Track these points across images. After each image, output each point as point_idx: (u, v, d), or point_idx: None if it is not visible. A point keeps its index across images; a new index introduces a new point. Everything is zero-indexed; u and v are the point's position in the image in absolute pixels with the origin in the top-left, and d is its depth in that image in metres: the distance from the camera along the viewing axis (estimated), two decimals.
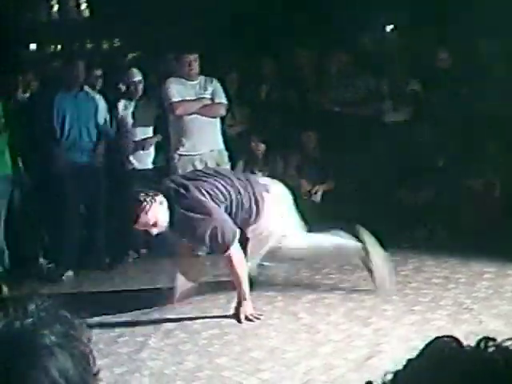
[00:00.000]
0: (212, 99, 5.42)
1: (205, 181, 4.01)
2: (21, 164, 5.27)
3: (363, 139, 5.77)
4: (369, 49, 6.55)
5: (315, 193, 5.82)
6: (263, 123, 6.17)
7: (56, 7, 12.64)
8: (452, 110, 5.62)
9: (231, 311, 4.01)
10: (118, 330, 3.93)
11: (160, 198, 3.87)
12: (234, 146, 5.75)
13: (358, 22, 6.67)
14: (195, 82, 5.44)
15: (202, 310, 4.17)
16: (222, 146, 5.48)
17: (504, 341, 0.61)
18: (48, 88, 5.78)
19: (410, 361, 0.63)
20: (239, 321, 3.90)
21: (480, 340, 0.61)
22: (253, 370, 3.28)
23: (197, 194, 3.89)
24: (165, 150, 5.70)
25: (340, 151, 5.81)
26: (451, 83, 5.74)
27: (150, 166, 5.67)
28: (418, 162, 5.67)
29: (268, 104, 6.32)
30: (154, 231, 3.92)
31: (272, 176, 5.96)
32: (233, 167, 5.53)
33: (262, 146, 6.02)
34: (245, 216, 4.03)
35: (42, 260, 5.42)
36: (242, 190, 4.03)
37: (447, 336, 0.63)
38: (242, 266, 3.93)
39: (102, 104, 5.55)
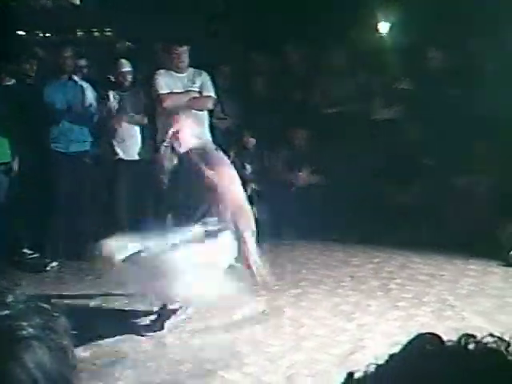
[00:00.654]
0: (200, 92, 5.39)
1: None
2: (9, 152, 5.21)
3: (352, 136, 5.78)
4: (360, 47, 6.55)
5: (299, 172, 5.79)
6: (253, 118, 6.16)
7: None
8: (441, 109, 5.64)
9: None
10: (100, 321, 3.91)
11: None
12: (223, 140, 5.73)
13: (349, 20, 6.66)
14: (184, 75, 5.41)
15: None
16: (209, 139, 5.46)
17: (484, 337, 0.61)
18: (37, 76, 5.72)
19: (392, 356, 0.63)
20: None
21: (461, 337, 0.61)
22: (237, 364, 3.28)
23: None
24: (151, 142, 5.66)
25: (329, 148, 5.82)
26: (441, 82, 5.76)
27: (136, 158, 5.64)
28: (406, 160, 5.69)
29: (258, 99, 6.31)
30: None
31: (260, 170, 5.99)
32: None
33: (252, 141, 6.02)
34: None
35: (25, 250, 5.38)
36: None
37: (429, 333, 0.63)
38: None
39: (90, 93, 5.51)
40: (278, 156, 6.06)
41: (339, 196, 5.59)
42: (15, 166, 5.25)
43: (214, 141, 5.49)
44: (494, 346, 0.60)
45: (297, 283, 4.46)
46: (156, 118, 5.57)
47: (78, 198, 5.45)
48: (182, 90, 5.36)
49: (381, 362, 0.64)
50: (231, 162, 5.56)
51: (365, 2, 6.74)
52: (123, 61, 5.68)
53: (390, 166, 5.75)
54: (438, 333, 0.63)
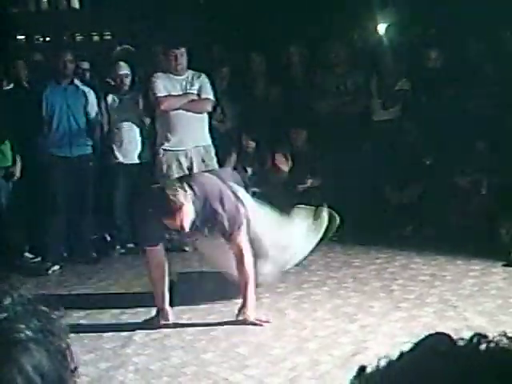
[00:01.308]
0: (198, 95, 5.39)
1: None
2: (10, 156, 5.21)
3: (351, 137, 5.77)
4: (358, 47, 6.55)
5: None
6: (253, 120, 6.15)
7: None
8: (440, 109, 5.64)
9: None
10: (102, 325, 3.90)
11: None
12: (222, 142, 5.72)
13: (348, 20, 6.66)
14: (182, 77, 5.41)
15: (188, 306, 4.15)
16: (208, 141, 5.45)
17: (495, 337, 0.61)
18: (37, 80, 5.73)
19: (402, 354, 0.63)
20: (247, 323, 3.75)
21: (472, 336, 0.61)
22: (239, 366, 3.27)
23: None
24: (150, 145, 5.66)
25: (328, 149, 5.81)
26: (440, 82, 5.76)
27: (136, 161, 5.64)
28: (406, 160, 5.68)
29: (258, 101, 6.30)
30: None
31: (261, 172, 5.97)
32: (220, 163, 5.49)
33: (252, 143, 6.01)
34: None
35: (27, 254, 5.38)
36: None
37: (440, 332, 0.63)
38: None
39: (91, 97, 5.50)
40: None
41: (339, 197, 5.57)
42: (17, 171, 5.25)
43: (214, 143, 5.50)
44: (506, 345, 0.60)
45: (299, 285, 4.45)
46: (155, 120, 5.57)
47: (79, 201, 5.45)
48: (181, 93, 5.36)
49: (392, 357, 0.63)
50: (232, 167, 5.58)
51: (364, 2, 6.75)
52: (122, 63, 5.68)
53: (390, 166, 5.74)
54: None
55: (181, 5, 7.69)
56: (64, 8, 13.08)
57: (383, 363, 0.63)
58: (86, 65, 6.14)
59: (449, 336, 0.63)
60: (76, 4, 12.97)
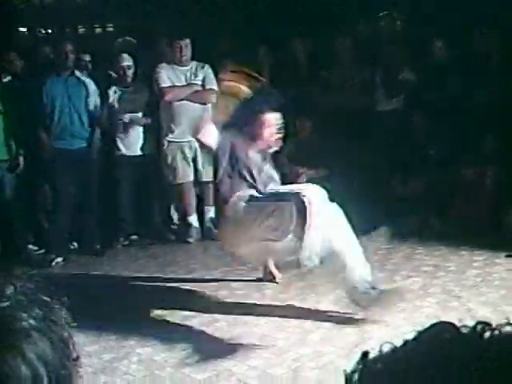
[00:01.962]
0: (203, 85, 5.38)
1: None
2: (14, 148, 5.21)
3: (356, 128, 5.75)
4: (363, 37, 6.52)
5: (300, 175, 5.75)
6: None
7: None
8: (445, 99, 5.62)
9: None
10: (106, 316, 3.91)
11: None
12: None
13: (352, 10, 6.63)
14: (186, 68, 5.39)
15: (191, 297, 4.17)
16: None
17: (500, 326, 0.61)
18: (38, 72, 5.72)
19: (407, 341, 0.63)
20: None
21: (476, 324, 0.61)
22: (242, 357, 3.28)
23: None
24: (153, 136, 5.65)
25: (333, 140, 5.79)
26: (444, 72, 5.73)
27: (139, 153, 5.64)
28: (410, 151, 5.67)
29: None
30: None
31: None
32: None
33: None
34: None
35: (30, 246, 5.39)
36: None
37: (445, 321, 0.63)
38: None
39: (92, 89, 5.49)
40: (282, 150, 6.02)
41: (343, 188, 5.56)
42: (21, 163, 5.24)
43: None
44: (510, 333, 0.60)
45: (302, 276, 4.46)
46: (159, 111, 5.56)
47: (82, 194, 5.45)
48: (185, 84, 5.35)
49: (396, 344, 0.63)
50: None
51: None
52: (124, 55, 5.67)
53: (394, 157, 5.73)
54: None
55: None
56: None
57: (386, 349, 0.63)
58: (88, 57, 6.13)
59: (453, 324, 0.63)
60: None
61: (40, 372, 0.59)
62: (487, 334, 0.60)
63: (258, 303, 4.02)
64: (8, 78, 5.52)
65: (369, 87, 6.04)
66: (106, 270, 4.99)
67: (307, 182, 5.71)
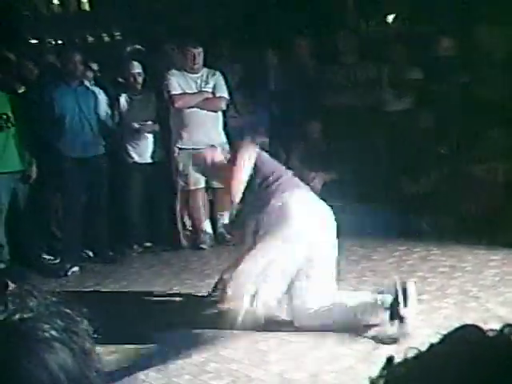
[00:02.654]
0: (213, 93, 5.38)
1: None
2: (28, 158, 5.24)
3: (366, 128, 5.74)
4: (370, 37, 6.51)
5: (313, 179, 5.73)
6: (266, 115, 6.12)
7: (56, 0, 12.61)
8: (453, 97, 5.59)
9: None
10: (122, 325, 3.91)
11: None
12: (236, 139, 5.70)
13: (359, 10, 6.62)
14: (197, 75, 5.40)
15: (206, 303, 4.16)
16: (223, 139, 5.44)
17: None
18: (48, 82, 5.75)
19: (433, 345, 0.62)
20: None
21: (503, 327, 0.60)
22: (260, 362, 3.26)
23: None
24: (164, 143, 5.67)
25: (343, 141, 5.78)
26: (453, 70, 5.70)
27: (149, 160, 5.65)
28: (421, 149, 5.64)
29: (270, 95, 6.27)
30: None
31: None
32: None
33: (266, 140, 5.98)
34: None
35: (45, 256, 5.41)
36: None
37: (471, 324, 0.62)
38: None
39: (102, 97, 5.52)
40: (293, 153, 6.02)
41: (354, 189, 5.54)
42: (33, 174, 5.27)
43: (228, 140, 5.49)
44: None
45: None
46: (169, 119, 5.57)
47: (95, 202, 5.47)
48: (195, 91, 5.35)
49: (422, 348, 0.62)
50: None
51: None
52: (134, 63, 5.69)
53: (404, 156, 5.70)
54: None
55: (193, 3, 7.68)
56: (74, 9, 13.16)
57: (411, 354, 0.62)
58: (96, 66, 6.16)
59: (478, 327, 0.62)
60: (86, 6, 13.04)
61: (61, 382, 0.59)
62: None
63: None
64: (22, 89, 5.57)
65: (377, 87, 6.02)
66: (121, 277, 5.00)
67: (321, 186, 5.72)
